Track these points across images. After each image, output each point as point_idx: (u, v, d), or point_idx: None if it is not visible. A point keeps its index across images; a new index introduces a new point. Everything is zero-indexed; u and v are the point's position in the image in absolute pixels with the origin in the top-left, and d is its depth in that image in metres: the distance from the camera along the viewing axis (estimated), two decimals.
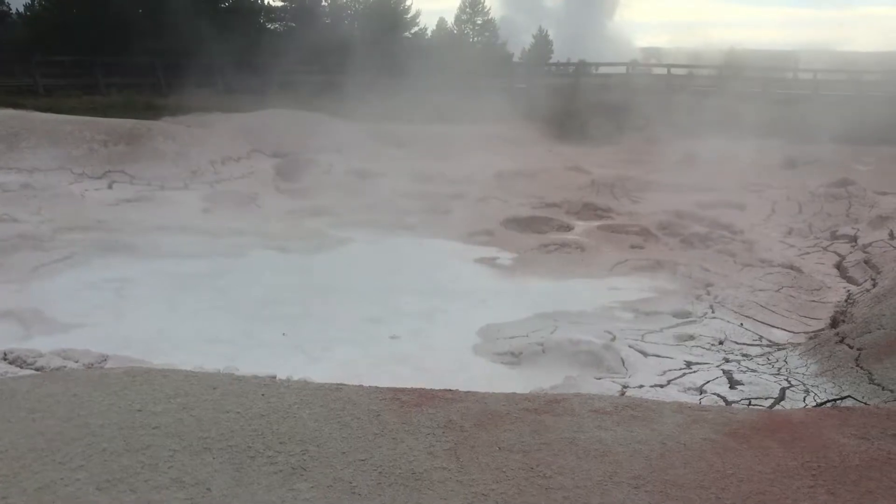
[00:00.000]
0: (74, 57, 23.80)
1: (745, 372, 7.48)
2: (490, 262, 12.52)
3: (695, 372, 7.54)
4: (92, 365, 6.86)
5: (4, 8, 31.23)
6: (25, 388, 4.08)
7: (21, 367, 6.64)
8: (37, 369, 6.57)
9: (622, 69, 31.20)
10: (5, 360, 6.76)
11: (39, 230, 12.23)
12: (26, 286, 10.17)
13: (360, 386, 4.42)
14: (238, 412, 3.87)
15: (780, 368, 7.57)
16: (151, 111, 20.63)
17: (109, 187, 15.63)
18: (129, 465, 3.31)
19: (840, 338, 7.57)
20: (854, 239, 12.97)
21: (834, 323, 8.93)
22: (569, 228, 14.57)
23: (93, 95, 22.30)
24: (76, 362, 6.94)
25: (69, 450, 3.41)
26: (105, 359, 7.12)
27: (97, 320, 9.11)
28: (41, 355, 6.97)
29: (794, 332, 9.12)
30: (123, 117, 18.56)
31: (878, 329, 7.35)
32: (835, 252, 12.54)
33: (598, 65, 32.62)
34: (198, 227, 13.55)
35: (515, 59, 38.07)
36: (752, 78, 28.48)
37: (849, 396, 6.49)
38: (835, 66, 29.17)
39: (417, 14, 37.59)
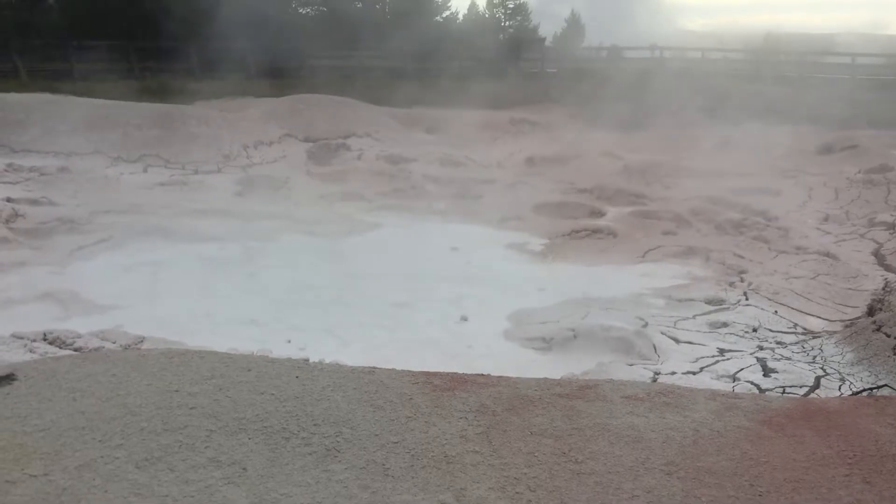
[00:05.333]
0: (109, 42, 24.05)
1: (779, 360, 7.41)
2: (521, 247, 12.49)
3: (728, 359, 7.48)
4: (129, 346, 6.99)
5: None
6: (65, 368, 4.16)
7: (60, 348, 6.78)
8: (76, 349, 6.71)
9: (655, 53, 30.81)
10: (45, 340, 6.90)
11: (76, 213, 12.45)
12: (64, 268, 10.37)
13: (393, 369, 4.44)
14: (273, 394, 3.91)
15: (815, 357, 7.48)
16: (185, 95, 20.84)
17: (144, 171, 15.83)
18: (167, 445, 3.37)
19: (877, 326, 7.46)
20: (892, 226, 12.72)
21: (871, 311, 8.77)
22: (600, 214, 14.47)
23: (128, 80, 22.57)
24: (114, 343, 7.07)
25: (109, 428, 3.48)
26: (142, 340, 7.25)
27: (133, 302, 9.26)
28: (80, 336, 7.11)
29: (829, 321, 9.00)
30: (158, 102, 18.76)
31: None
32: (872, 239, 12.32)
33: (625, 49, 32.24)
34: (231, 211, 13.69)
35: (547, 43, 37.73)
36: (788, 62, 28.00)
37: (886, 385, 6.40)
38: (873, 50, 28.52)
39: None
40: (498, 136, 20.94)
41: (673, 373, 7.03)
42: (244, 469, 3.23)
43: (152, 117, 17.56)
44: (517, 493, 3.16)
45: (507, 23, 40.37)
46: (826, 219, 13.76)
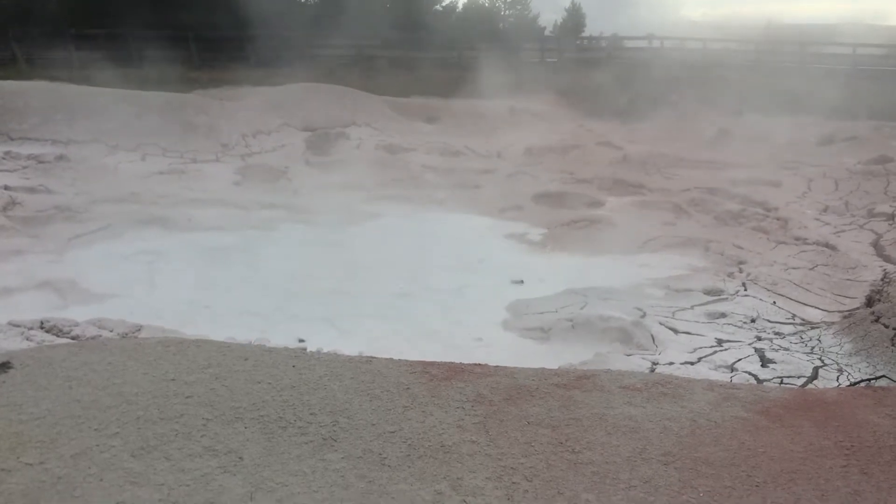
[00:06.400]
0: (108, 30, 23.94)
1: (777, 350, 7.40)
2: (520, 237, 12.48)
3: (726, 350, 7.47)
4: (126, 335, 6.97)
5: None
6: (62, 357, 4.15)
7: (57, 336, 6.76)
8: (73, 338, 6.69)
9: (654, 43, 30.71)
10: (42, 328, 6.88)
11: (74, 202, 12.42)
12: (62, 257, 10.35)
13: (390, 359, 4.44)
14: (269, 383, 3.91)
15: (813, 347, 7.48)
16: (183, 84, 20.74)
17: (143, 160, 15.77)
18: (163, 433, 3.36)
19: (875, 317, 7.44)
20: (892, 217, 12.71)
21: (869, 302, 8.76)
22: (600, 204, 14.45)
23: (126, 68, 22.47)
24: (111, 332, 7.05)
25: (105, 417, 3.47)
26: (139, 329, 7.23)
27: (131, 291, 9.24)
28: (77, 324, 7.09)
29: (828, 311, 9.00)
30: (156, 90, 18.68)
31: None
32: (871, 230, 12.31)
33: (625, 38, 32.16)
34: (229, 201, 13.66)
35: (547, 32, 37.61)
36: (789, 52, 27.90)
37: (883, 376, 6.39)
38: (875, 41, 28.40)
39: None
40: (497, 125, 20.89)
41: (671, 363, 7.02)
42: (240, 458, 3.23)
43: (151, 106, 17.50)
44: (514, 482, 3.15)
45: (507, 12, 40.18)
46: (825, 210, 13.74)
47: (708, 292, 9.55)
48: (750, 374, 6.77)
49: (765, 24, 38.19)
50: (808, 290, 9.65)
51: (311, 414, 3.62)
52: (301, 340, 7.83)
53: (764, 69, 24.78)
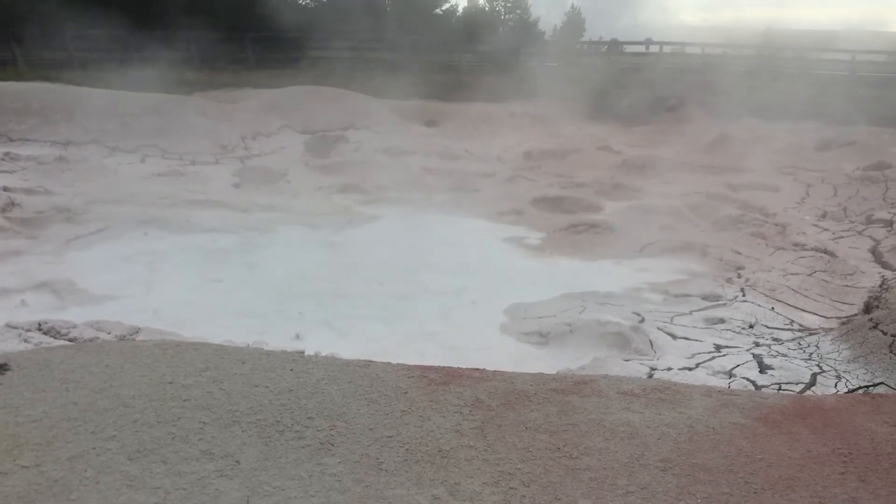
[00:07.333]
0: (109, 30, 23.93)
1: (775, 356, 7.40)
2: (518, 241, 12.47)
3: (724, 355, 7.47)
4: (124, 337, 6.97)
5: None
6: (59, 359, 4.14)
7: (55, 338, 6.75)
8: (70, 340, 6.69)
9: (653, 48, 30.77)
10: (40, 330, 6.87)
11: (73, 203, 12.40)
12: (60, 258, 10.33)
13: (388, 363, 4.43)
14: (267, 386, 3.90)
15: (811, 354, 7.48)
16: (184, 86, 20.72)
17: (142, 161, 15.76)
18: (159, 437, 3.36)
19: (874, 323, 7.45)
20: (890, 223, 12.72)
21: (867, 308, 8.78)
22: (598, 209, 14.45)
23: (126, 69, 22.46)
24: (109, 334, 7.04)
25: (101, 420, 3.47)
26: (137, 331, 7.22)
27: (129, 293, 9.23)
28: (75, 326, 7.08)
29: (826, 317, 9.00)
30: (156, 91, 18.67)
31: None
32: (870, 236, 12.32)
33: (625, 43, 32.26)
34: (228, 203, 13.64)
35: (547, 36, 37.63)
36: (788, 58, 27.93)
37: (882, 383, 6.39)
38: (875, 47, 28.43)
39: None
40: (497, 129, 20.91)
41: (669, 368, 7.01)
42: (237, 462, 3.22)
43: (150, 107, 17.49)
44: (511, 488, 3.15)
45: (507, 16, 40.21)
46: (824, 215, 13.76)
47: (706, 298, 9.55)
48: (748, 380, 6.77)
49: (764, 29, 38.20)
50: (806, 296, 9.65)
51: (308, 418, 3.61)
52: (297, 336, 7.87)
53: (763, 74, 24.80)
